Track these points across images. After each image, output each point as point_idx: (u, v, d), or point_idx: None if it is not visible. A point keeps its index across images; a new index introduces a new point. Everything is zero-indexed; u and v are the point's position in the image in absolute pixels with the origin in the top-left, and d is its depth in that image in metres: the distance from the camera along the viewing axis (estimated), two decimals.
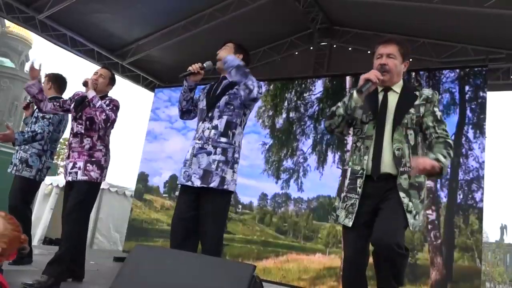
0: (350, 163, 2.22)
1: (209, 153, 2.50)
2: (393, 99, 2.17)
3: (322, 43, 6.15)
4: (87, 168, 3.08)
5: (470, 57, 5.15)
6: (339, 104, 2.22)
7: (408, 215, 2.00)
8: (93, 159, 3.12)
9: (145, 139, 6.65)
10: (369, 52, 5.78)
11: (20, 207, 3.59)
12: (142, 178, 6.50)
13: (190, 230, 2.47)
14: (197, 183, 2.46)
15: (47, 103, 3.25)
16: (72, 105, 3.26)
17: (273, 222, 5.17)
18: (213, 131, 2.53)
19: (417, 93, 2.18)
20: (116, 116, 3.18)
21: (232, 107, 2.57)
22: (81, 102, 3.22)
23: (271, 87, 5.63)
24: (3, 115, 38.73)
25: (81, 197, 3.04)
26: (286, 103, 5.44)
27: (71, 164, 3.13)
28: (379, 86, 2.21)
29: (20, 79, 39.87)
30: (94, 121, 3.09)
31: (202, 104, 2.66)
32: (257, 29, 6.25)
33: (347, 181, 2.18)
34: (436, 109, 2.15)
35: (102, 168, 3.16)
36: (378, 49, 2.23)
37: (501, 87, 5.31)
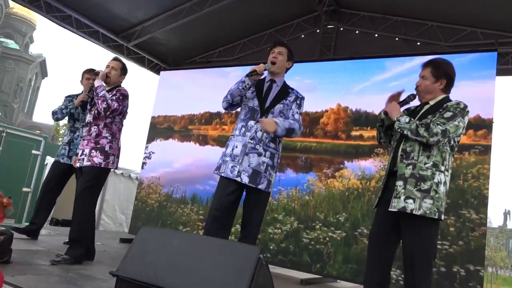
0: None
1: (259, 154, 2.69)
2: (423, 110, 2.46)
3: (328, 26, 6.07)
4: (91, 154, 3.23)
5: (479, 41, 5.08)
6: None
7: (395, 200, 2.27)
8: (97, 146, 3.25)
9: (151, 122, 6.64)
10: (376, 35, 5.72)
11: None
12: None
13: (227, 220, 2.69)
14: (246, 180, 2.65)
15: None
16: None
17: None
18: (265, 134, 2.69)
19: (445, 104, 2.37)
20: (121, 105, 3.29)
21: (284, 116, 2.75)
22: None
23: None
24: (8, 96, 38.75)
25: (86, 184, 3.19)
26: None
27: (80, 152, 3.32)
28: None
29: (24, 60, 39.80)
30: None
31: (253, 103, 2.78)
32: (263, 11, 6.17)
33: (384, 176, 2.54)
34: (448, 113, 2.29)
35: (107, 154, 3.26)
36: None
37: (509, 72, 5.24)
